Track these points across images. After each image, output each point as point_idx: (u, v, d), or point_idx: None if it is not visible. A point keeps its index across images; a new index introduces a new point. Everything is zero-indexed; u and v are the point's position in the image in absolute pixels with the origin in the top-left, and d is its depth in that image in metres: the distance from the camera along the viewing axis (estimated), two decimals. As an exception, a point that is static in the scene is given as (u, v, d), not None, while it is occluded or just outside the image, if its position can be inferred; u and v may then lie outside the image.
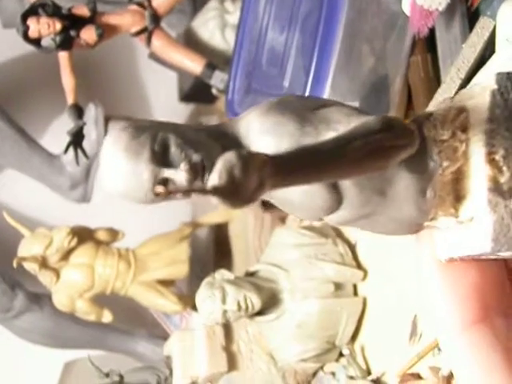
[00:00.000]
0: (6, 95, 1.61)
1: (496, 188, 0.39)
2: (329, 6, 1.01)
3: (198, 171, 0.41)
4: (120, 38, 1.42)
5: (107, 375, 1.35)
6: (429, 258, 0.47)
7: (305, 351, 1.13)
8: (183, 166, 0.40)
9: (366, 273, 1.12)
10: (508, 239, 0.40)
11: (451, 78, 0.89)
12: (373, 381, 1.06)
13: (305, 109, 0.43)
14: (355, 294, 1.13)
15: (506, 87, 0.39)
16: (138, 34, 1.37)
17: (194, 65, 1.39)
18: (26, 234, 1.44)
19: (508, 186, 0.40)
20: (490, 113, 0.38)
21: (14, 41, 1.37)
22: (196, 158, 0.41)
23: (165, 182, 0.41)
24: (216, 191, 0.34)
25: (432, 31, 0.97)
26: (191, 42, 1.53)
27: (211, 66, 1.38)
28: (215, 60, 1.43)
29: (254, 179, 0.35)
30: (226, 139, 0.43)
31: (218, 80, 1.38)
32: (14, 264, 1.39)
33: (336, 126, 0.41)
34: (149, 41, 1.38)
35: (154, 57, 1.51)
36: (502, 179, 0.39)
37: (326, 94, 1.04)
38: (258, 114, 0.43)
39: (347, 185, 0.46)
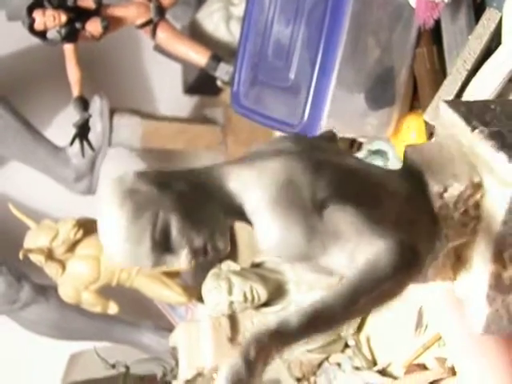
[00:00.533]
0: (11, 88, 1.61)
1: (497, 284, 0.40)
2: (335, -2, 1.01)
3: (200, 254, 0.41)
4: (125, 30, 1.42)
5: (113, 366, 1.35)
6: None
7: (310, 342, 1.13)
8: (185, 254, 0.40)
9: (371, 264, 1.12)
10: (499, 328, 0.41)
11: (457, 69, 0.89)
12: (378, 371, 1.06)
13: (314, 207, 0.40)
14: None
15: None
16: (143, 26, 1.38)
17: (199, 57, 1.39)
18: (31, 226, 1.44)
19: (509, 281, 0.40)
20: (506, 217, 0.38)
21: (19, 33, 1.37)
22: (198, 243, 0.40)
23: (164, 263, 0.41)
24: None
25: (438, 23, 0.97)
26: (196, 34, 1.53)
27: (216, 58, 1.38)
28: (220, 52, 1.43)
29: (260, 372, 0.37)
30: (231, 207, 0.42)
31: (223, 72, 1.38)
32: (21, 256, 1.39)
33: (344, 245, 0.40)
34: (154, 33, 1.38)
35: (159, 49, 1.51)
36: (505, 274, 0.39)
37: (332, 86, 1.04)
38: (267, 202, 0.41)
39: None
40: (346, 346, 1.15)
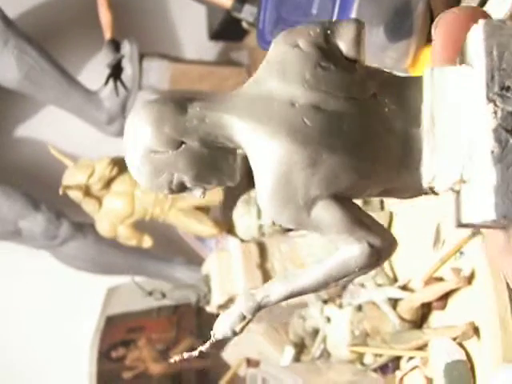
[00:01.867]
0: (45, 34, 1.68)
1: None
2: None
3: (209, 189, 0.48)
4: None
5: (150, 293, 1.43)
6: None
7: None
8: (198, 193, 0.47)
9: (391, 189, 1.19)
10: None
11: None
12: (399, 287, 1.13)
13: (305, 204, 0.46)
14: (382, 208, 1.20)
15: None
16: (170, -29, 1.44)
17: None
18: (69, 165, 1.51)
19: None
20: None
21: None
22: (209, 187, 0.48)
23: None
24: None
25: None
26: (220, -23, 1.58)
27: (241, 0, 1.44)
28: (243, -7, 1.48)
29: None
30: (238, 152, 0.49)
31: (247, 13, 1.43)
32: (60, 192, 1.46)
33: (325, 237, 0.47)
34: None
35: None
36: None
37: (352, 20, 1.10)
38: (266, 190, 0.47)
39: None
40: (369, 266, 1.21)
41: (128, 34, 1.62)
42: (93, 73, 1.69)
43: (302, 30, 0.48)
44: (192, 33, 1.86)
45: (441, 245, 1.07)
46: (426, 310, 1.09)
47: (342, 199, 0.45)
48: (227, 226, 1.50)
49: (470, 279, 1.00)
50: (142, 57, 1.63)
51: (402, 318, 1.10)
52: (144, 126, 0.46)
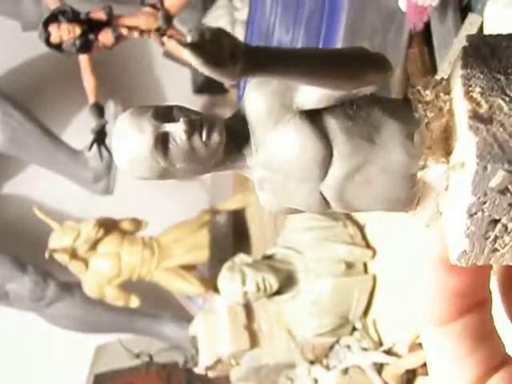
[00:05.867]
0: (28, 95, 1.69)
1: (475, 116, 0.43)
2: (330, 7, 1.08)
3: (196, 126, 0.45)
4: (135, 38, 1.50)
5: (138, 356, 1.43)
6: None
7: (320, 326, 1.21)
8: (182, 120, 0.44)
9: (374, 252, 1.20)
10: (492, 156, 0.44)
11: (443, 70, 0.96)
12: (384, 351, 1.14)
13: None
14: (365, 271, 1.21)
15: (477, 43, 0.41)
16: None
17: (207, 61, 1.46)
18: (55, 228, 1.52)
19: (488, 114, 0.44)
20: (463, 61, 0.41)
21: (35, 42, 1.44)
22: (195, 117, 0.45)
23: (165, 136, 0.44)
24: (188, 45, 0.38)
25: (427, 25, 1.04)
26: (203, 38, 1.60)
27: (223, 63, 1.45)
28: (226, 55, 1.50)
29: (224, 45, 0.38)
30: None
31: (230, 75, 1.45)
32: (46, 255, 1.47)
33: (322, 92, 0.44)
34: (162, 40, 1.45)
35: (168, 55, 1.59)
36: (481, 110, 0.43)
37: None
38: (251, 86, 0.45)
39: (336, 132, 0.46)
40: (354, 329, 1.22)
41: (115, 92, 1.64)
42: (77, 132, 1.70)
43: None
44: (176, 87, 1.88)
45: (424, 310, 1.07)
46: (410, 375, 1.09)
47: None
48: (214, 285, 1.51)
49: (452, 347, 1.01)
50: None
51: (386, 383, 1.11)
52: None
